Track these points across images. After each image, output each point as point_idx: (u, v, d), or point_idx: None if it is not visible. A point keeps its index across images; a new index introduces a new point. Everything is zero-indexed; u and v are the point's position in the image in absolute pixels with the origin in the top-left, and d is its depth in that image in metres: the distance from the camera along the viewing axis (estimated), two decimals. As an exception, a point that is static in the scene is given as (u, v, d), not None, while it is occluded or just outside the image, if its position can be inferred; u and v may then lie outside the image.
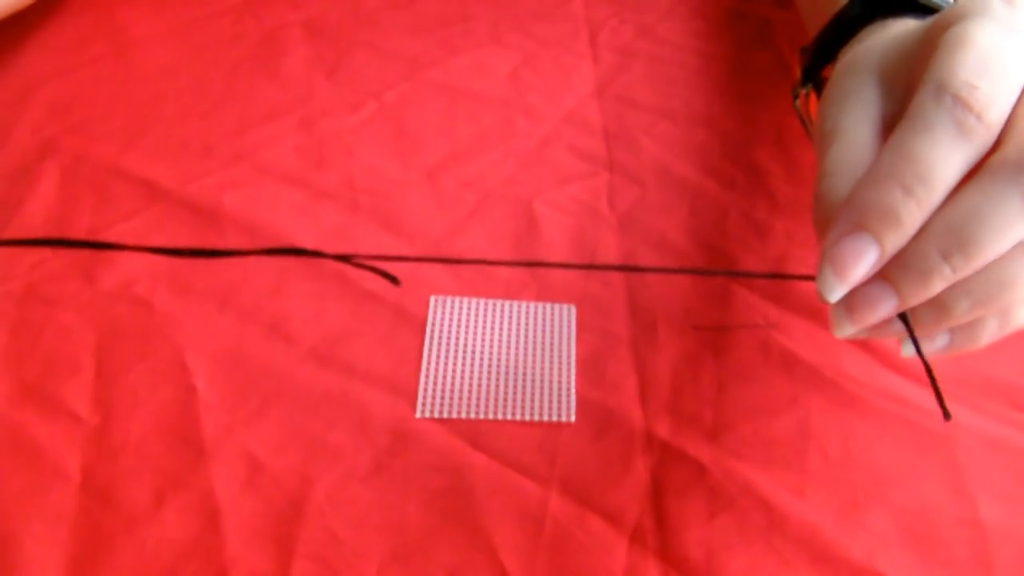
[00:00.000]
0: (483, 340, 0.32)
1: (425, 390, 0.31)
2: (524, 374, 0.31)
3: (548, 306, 0.33)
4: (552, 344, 0.32)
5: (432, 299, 0.33)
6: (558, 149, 0.40)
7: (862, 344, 0.33)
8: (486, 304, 0.33)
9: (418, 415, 0.30)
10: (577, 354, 0.32)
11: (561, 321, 0.33)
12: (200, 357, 0.31)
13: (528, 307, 0.33)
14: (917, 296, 0.20)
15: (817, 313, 0.34)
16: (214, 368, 0.31)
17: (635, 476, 0.29)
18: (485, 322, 0.33)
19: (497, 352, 0.32)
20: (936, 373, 0.33)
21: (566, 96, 0.42)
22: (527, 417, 0.30)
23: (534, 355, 0.32)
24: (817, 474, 0.29)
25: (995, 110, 0.20)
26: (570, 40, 0.45)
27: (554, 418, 0.30)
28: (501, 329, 0.33)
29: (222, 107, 0.41)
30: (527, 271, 0.35)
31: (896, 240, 0.20)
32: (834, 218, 0.21)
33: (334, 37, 0.44)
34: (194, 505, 0.28)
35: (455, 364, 0.32)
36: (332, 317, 0.33)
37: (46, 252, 0.34)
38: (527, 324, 0.33)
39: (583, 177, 0.39)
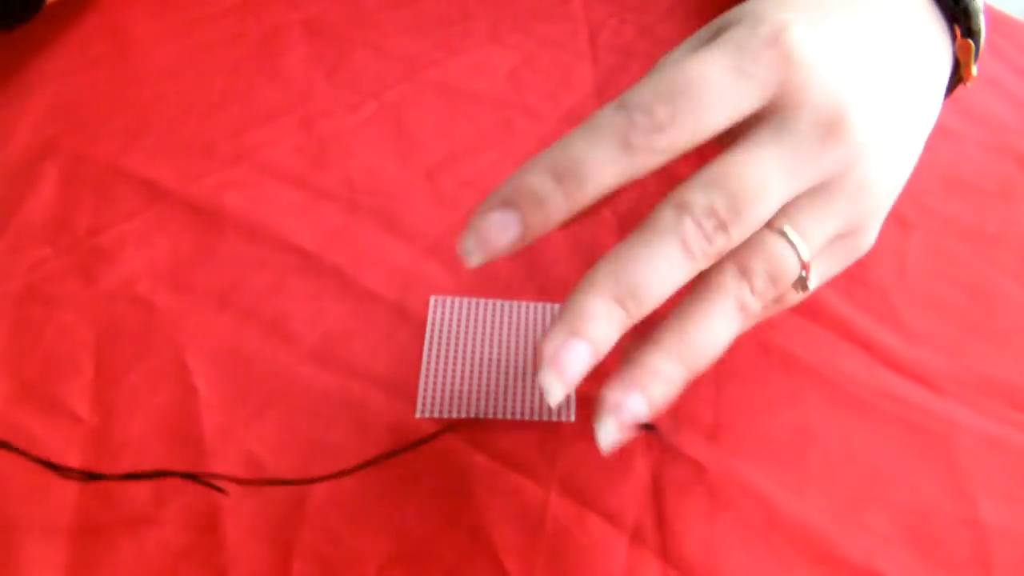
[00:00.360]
0: (483, 340, 0.32)
1: (425, 390, 0.31)
2: (524, 374, 0.31)
3: (548, 306, 0.33)
4: None
5: (432, 299, 0.33)
6: (558, 149, 0.40)
7: (862, 344, 0.33)
8: (486, 304, 0.33)
9: (418, 415, 0.30)
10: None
11: None
12: (200, 357, 0.31)
13: (528, 307, 0.33)
14: (604, 341, 0.21)
15: (817, 313, 0.34)
16: (214, 368, 0.31)
17: (635, 476, 0.29)
18: (485, 322, 0.33)
19: (497, 352, 0.32)
20: (936, 372, 0.33)
21: (565, 96, 0.42)
22: (527, 417, 0.30)
23: (534, 355, 0.32)
24: (816, 474, 0.29)
25: (664, 138, 0.21)
26: (570, 40, 0.45)
27: (554, 418, 0.30)
28: (501, 329, 0.33)
29: (222, 107, 0.41)
30: (527, 271, 0.35)
31: (538, 220, 0.21)
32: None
33: (334, 37, 0.44)
34: (194, 505, 0.28)
35: (455, 364, 0.32)
36: (332, 317, 0.33)
37: (46, 252, 0.34)
38: (527, 324, 0.33)
39: (583, 177, 0.39)
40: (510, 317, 0.33)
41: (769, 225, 0.23)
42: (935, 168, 0.40)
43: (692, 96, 0.21)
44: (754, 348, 0.33)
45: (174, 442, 0.29)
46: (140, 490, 0.28)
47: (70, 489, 0.28)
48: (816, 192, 0.23)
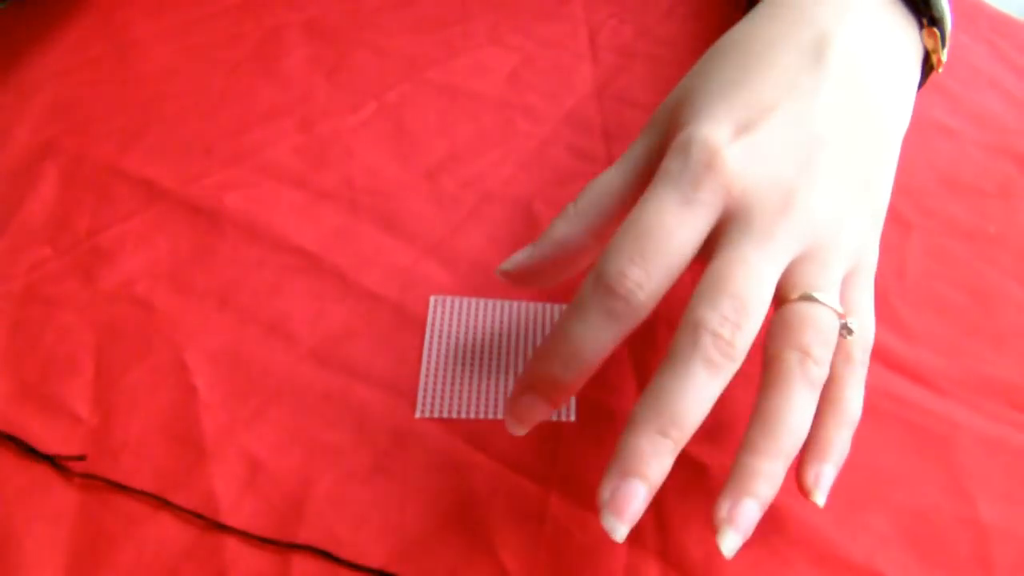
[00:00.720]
0: (483, 340, 0.32)
1: (425, 390, 0.31)
2: None
3: (548, 306, 0.33)
4: None
5: (432, 299, 0.33)
6: (558, 149, 0.40)
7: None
8: (486, 304, 0.33)
9: (418, 415, 0.30)
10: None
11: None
12: (200, 357, 0.31)
13: (528, 307, 0.33)
14: (659, 474, 0.24)
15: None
16: (214, 368, 0.31)
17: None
18: (485, 322, 0.33)
19: (497, 352, 0.32)
20: (936, 372, 0.33)
21: (565, 96, 0.42)
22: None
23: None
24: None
25: (643, 294, 0.24)
26: (570, 40, 0.45)
27: (554, 418, 0.30)
28: (501, 329, 0.33)
29: (222, 107, 0.41)
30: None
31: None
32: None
33: (334, 37, 0.44)
34: (194, 505, 0.28)
35: (455, 364, 0.32)
36: (332, 317, 0.33)
37: (46, 252, 0.34)
38: (527, 324, 0.33)
39: (583, 177, 0.38)
40: (510, 317, 0.33)
41: (785, 301, 0.25)
42: (935, 168, 0.40)
43: (655, 244, 0.24)
44: (755, 348, 0.33)
45: (174, 442, 0.29)
46: (141, 488, 0.28)
47: (70, 489, 0.28)
48: (805, 254, 0.26)
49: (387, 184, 0.38)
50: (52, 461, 0.28)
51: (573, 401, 0.31)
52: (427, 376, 0.31)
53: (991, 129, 0.42)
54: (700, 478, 0.29)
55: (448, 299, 0.33)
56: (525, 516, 0.28)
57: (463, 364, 0.32)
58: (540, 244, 0.29)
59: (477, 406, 0.30)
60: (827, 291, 0.25)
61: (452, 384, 0.31)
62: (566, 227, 0.28)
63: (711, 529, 0.24)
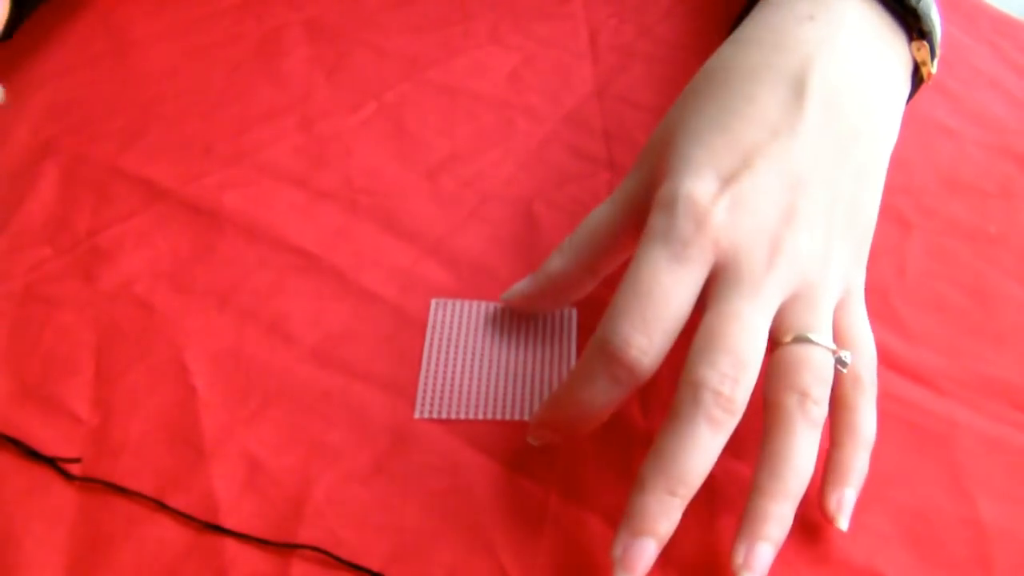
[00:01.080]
0: (484, 343, 0.32)
1: (424, 391, 0.31)
2: (525, 376, 0.31)
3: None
4: (553, 346, 0.32)
5: (433, 302, 0.33)
6: (558, 149, 0.40)
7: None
8: (487, 307, 0.33)
9: (417, 415, 0.30)
10: (578, 356, 0.32)
11: (562, 324, 0.33)
12: (200, 357, 0.31)
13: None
14: (669, 529, 0.25)
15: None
16: (214, 368, 0.31)
17: (635, 476, 0.29)
18: (486, 325, 0.33)
19: (498, 354, 0.32)
20: (936, 372, 0.33)
21: (566, 96, 0.42)
22: (527, 417, 0.30)
23: (535, 357, 0.32)
24: (816, 474, 0.29)
25: (647, 360, 0.25)
26: (570, 40, 0.45)
27: None
28: (502, 332, 0.33)
29: (222, 107, 0.41)
30: (527, 272, 0.35)
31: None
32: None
33: (334, 37, 0.44)
34: (194, 505, 0.28)
35: (455, 366, 0.32)
36: (332, 317, 0.33)
37: (46, 252, 0.34)
38: (528, 327, 0.33)
39: (583, 177, 0.39)
40: (511, 319, 0.33)
41: (779, 344, 0.26)
42: (935, 168, 0.40)
43: (655, 308, 0.25)
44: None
45: (174, 442, 0.29)
46: (141, 489, 0.28)
47: (70, 489, 0.28)
48: (795, 296, 0.26)
49: (387, 184, 0.38)
50: (52, 463, 0.28)
51: None
52: (427, 377, 0.31)
53: (992, 129, 0.42)
54: (700, 478, 0.29)
55: (449, 302, 0.33)
56: (525, 516, 0.28)
57: (463, 366, 0.32)
58: (537, 277, 0.31)
59: (476, 407, 0.30)
60: (819, 330, 0.26)
61: (452, 385, 0.31)
62: (560, 261, 0.30)
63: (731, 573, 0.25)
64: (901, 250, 0.36)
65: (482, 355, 0.32)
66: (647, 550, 0.24)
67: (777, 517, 0.25)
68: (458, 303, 0.33)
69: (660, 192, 0.27)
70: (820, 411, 0.25)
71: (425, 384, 0.31)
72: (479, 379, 0.31)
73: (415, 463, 0.29)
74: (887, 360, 0.33)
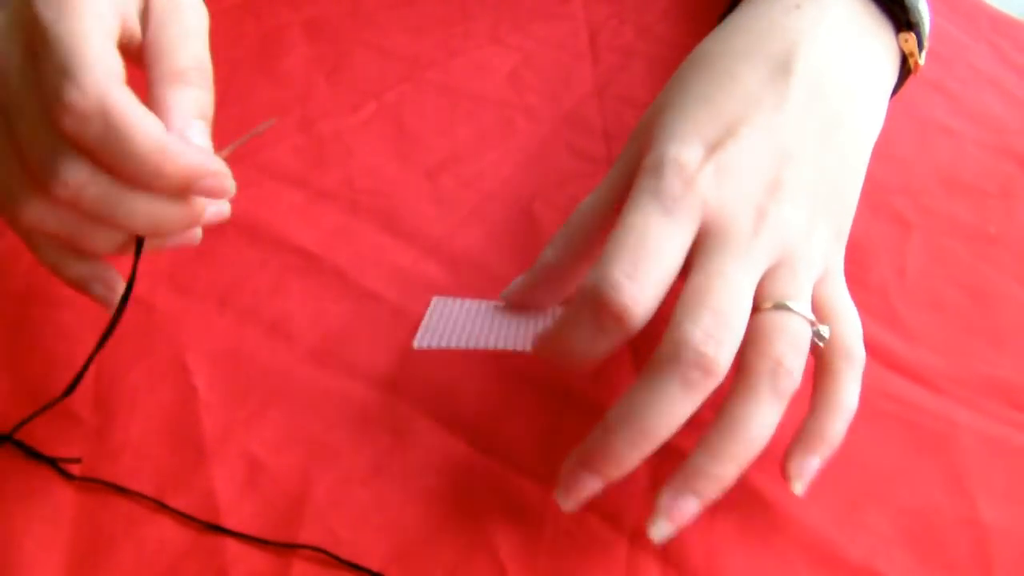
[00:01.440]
0: (481, 331, 0.31)
1: (427, 327, 0.30)
2: (525, 325, 0.31)
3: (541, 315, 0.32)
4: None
5: (434, 300, 0.33)
6: (558, 149, 0.40)
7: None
8: (486, 305, 0.33)
9: (416, 345, 0.29)
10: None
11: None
12: (200, 357, 0.31)
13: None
14: (618, 476, 0.25)
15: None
16: (214, 368, 0.31)
17: (635, 476, 0.29)
18: (484, 319, 0.32)
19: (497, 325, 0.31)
20: (936, 372, 0.33)
21: (566, 96, 0.42)
22: (527, 348, 0.29)
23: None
24: (817, 474, 0.29)
25: (638, 309, 0.25)
26: (570, 40, 0.45)
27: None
28: (501, 322, 0.32)
29: (222, 107, 0.40)
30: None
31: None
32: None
33: (334, 37, 0.44)
34: (194, 505, 0.28)
35: (456, 324, 0.31)
36: (332, 317, 0.33)
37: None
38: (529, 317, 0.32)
39: (583, 177, 0.39)
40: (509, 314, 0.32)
41: (758, 310, 0.26)
42: (935, 168, 0.40)
43: (646, 253, 0.25)
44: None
45: (174, 442, 0.29)
46: (141, 489, 0.28)
47: (70, 489, 0.28)
48: (777, 264, 0.26)
49: (387, 184, 0.38)
50: (52, 463, 0.28)
51: None
52: (431, 315, 0.31)
53: (991, 129, 0.42)
54: (700, 478, 0.29)
55: (449, 299, 0.33)
56: (525, 516, 0.28)
57: (463, 327, 0.31)
58: (533, 271, 0.30)
59: (477, 338, 0.30)
60: (798, 299, 0.26)
61: (452, 325, 0.30)
62: (553, 252, 0.30)
63: (649, 510, 0.25)
64: (901, 250, 0.36)
65: (479, 330, 0.31)
66: (591, 485, 0.25)
67: (715, 477, 0.25)
68: (458, 301, 0.33)
69: (646, 159, 0.27)
70: (790, 382, 0.25)
71: (426, 326, 0.30)
72: (479, 325, 0.31)
73: (415, 463, 0.29)
74: (887, 360, 0.33)
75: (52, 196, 0.23)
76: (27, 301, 0.33)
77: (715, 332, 0.24)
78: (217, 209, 0.28)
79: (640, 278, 0.25)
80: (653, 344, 0.33)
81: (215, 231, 0.35)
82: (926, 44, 0.34)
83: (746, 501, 0.29)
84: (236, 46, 0.44)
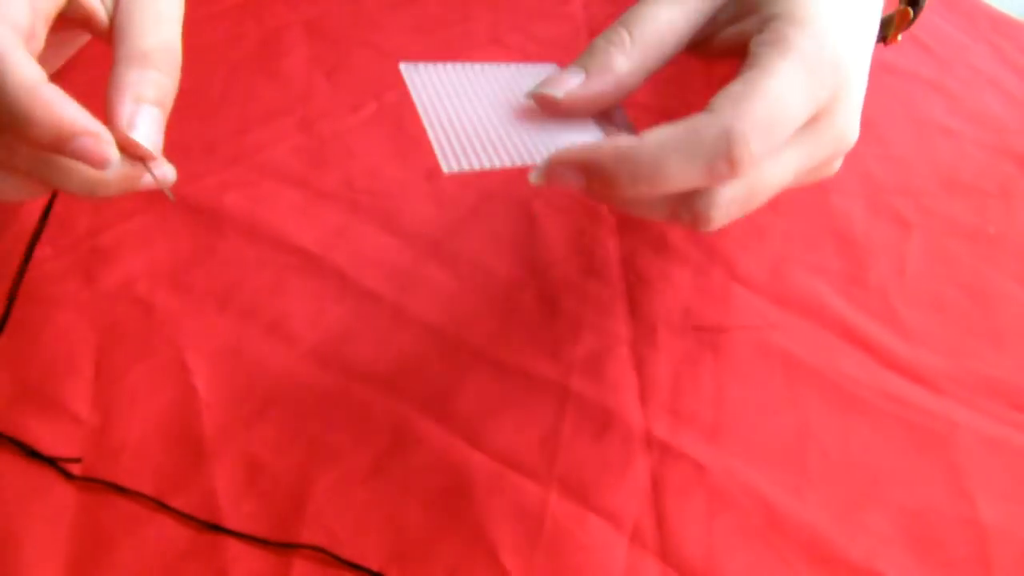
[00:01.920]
0: (475, 98, 0.29)
1: (442, 145, 0.27)
2: (531, 119, 0.28)
3: (529, 66, 0.30)
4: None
5: (402, 66, 0.30)
6: (558, 149, 0.40)
7: (862, 344, 0.33)
8: (464, 68, 0.29)
9: (446, 170, 0.26)
10: (577, 351, 0.32)
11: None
12: (200, 357, 0.31)
13: (509, 68, 0.29)
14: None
15: (817, 314, 0.34)
16: (214, 368, 0.31)
17: (634, 475, 0.29)
18: (469, 84, 0.29)
19: (494, 104, 0.28)
20: (936, 372, 0.33)
21: (566, 96, 0.42)
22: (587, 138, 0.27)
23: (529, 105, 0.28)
24: (816, 474, 0.29)
25: (757, 165, 0.24)
26: (570, 40, 0.45)
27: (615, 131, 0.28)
28: (487, 87, 0.29)
29: (222, 107, 0.41)
30: (527, 272, 0.35)
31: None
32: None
33: (334, 37, 0.44)
34: (194, 505, 0.28)
35: (460, 118, 0.28)
36: (332, 317, 0.33)
37: (46, 252, 0.34)
38: (512, 80, 0.29)
39: (583, 177, 0.39)
40: (489, 77, 0.29)
41: None
42: (935, 168, 0.40)
43: (783, 125, 0.24)
44: (754, 349, 0.33)
45: (174, 442, 0.29)
46: (141, 489, 0.28)
47: (70, 489, 0.28)
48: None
49: (387, 184, 0.38)
50: (52, 463, 0.28)
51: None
52: (437, 134, 0.27)
53: (991, 129, 0.42)
54: (699, 477, 0.29)
55: (420, 65, 0.29)
56: (525, 516, 0.28)
57: (467, 118, 0.28)
58: (597, 75, 0.27)
59: (499, 154, 0.27)
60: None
61: (467, 135, 0.27)
62: (625, 61, 0.27)
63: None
64: (901, 250, 0.36)
65: (479, 106, 0.28)
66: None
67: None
68: (431, 66, 0.29)
69: (808, 13, 0.25)
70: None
71: (439, 140, 0.27)
72: (490, 127, 0.28)
73: (415, 463, 0.29)
74: (887, 360, 0.33)
75: None
76: (27, 301, 0.33)
77: (764, 149, 0.23)
78: (161, 173, 0.28)
79: (769, 145, 0.24)
80: (656, 350, 0.33)
81: (215, 231, 0.35)
82: (911, 25, 0.34)
83: (746, 501, 0.29)
84: (236, 46, 0.44)
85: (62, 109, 0.24)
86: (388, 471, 0.29)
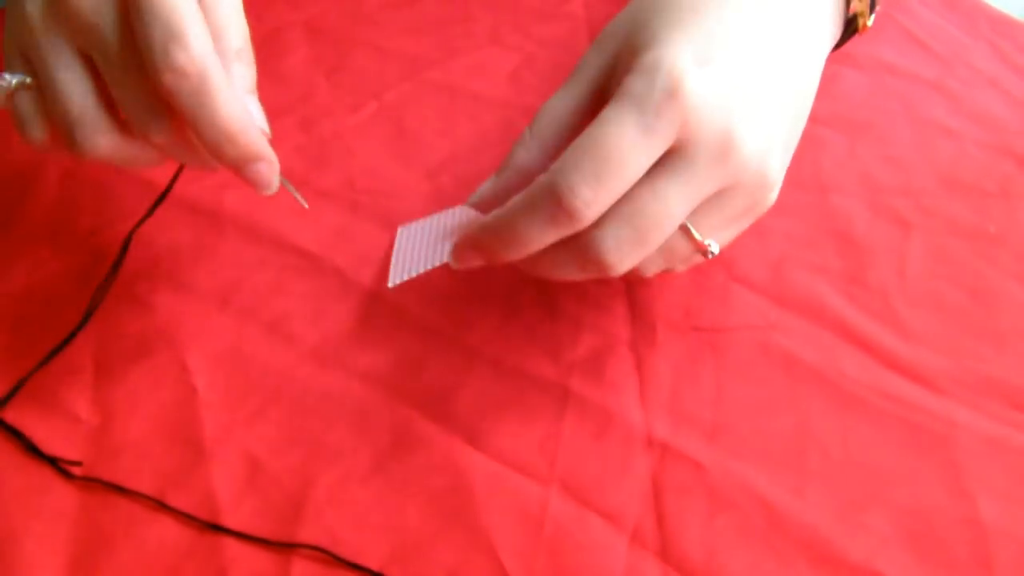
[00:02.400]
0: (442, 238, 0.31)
1: (394, 272, 0.30)
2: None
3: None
4: None
5: (400, 229, 0.32)
6: (558, 149, 0.40)
7: (862, 344, 0.33)
8: (446, 216, 0.32)
9: (391, 285, 0.29)
10: (577, 351, 0.32)
11: None
12: (200, 357, 0.31)
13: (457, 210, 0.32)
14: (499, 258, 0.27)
15: (817, 314, 0.34)
16: (214, 368, 0.31)
17: (635, 476, 0.29)
18: (446, 228, 0.31)
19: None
20: (936, 372, 0.33)
21: (566, 96, 0.42)
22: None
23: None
24: (817, 474, 0.29)
25: (590, 212, 0.25)
26: (570, 40, 0.45)
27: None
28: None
29: (222, 107, 0.40)
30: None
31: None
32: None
33: (334, 37, 0.44)
34: (194, 505, 0.28)
35: (418, 253, 0.31)
36: (332, 317, 0.33)
37: (46, 252, 0.34)
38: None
39: (583, 177, 0.38)
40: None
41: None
42: (935, 168, 0.40)
43: (611, 171, 0.25)
44: (754, 349, 0.33)
45: (174, 442, 0.29)
46: (141, 489, 0.28)
47: (70, 489, 0.28)
48: (716, 196, 0.27)
49: (387, 184, 0.38)
50: (52, 462, 0.28)
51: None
52: (396, 266, 0.30)
53: (992, 129, 0.42)
54: (699, 477, 0.29)
55: (413, 224, 0.32)
56: (525, 516, 0.28)
57: (414, 248, 0.31)
58: (502, 173, 0.30)
59: (441, 253, 0.29)
60: (708, 229, 0.27)
61: (418, 242, 0.31)
62: (524, 154, 0.29)
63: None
64: (901, 250, 0.36)
65: (425, 237, 0.31)
66: (476, 260, 0.27)
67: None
68: (418, 223, 0.32)
69: (638, 61, 0.26)
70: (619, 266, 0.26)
71: (394, 268, 0.30)
72: (426, 246, 0.30)
73: (415, 463, 0.29)
74: (887, 360, 0.33)
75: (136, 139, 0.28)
76: (27, 301, 0.33)
77: (626, 247, 0.25)
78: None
79: (600, 188, 0.25)
80: (656, 350, 0.33)
81: (215, 231, 0.35)
82: (878, 7, 0.34)
83: (746, 501, 0.29)
84: (236, 46, 0.44)
85: (256, 140, 0.28)
86: (388, 471, 0.29)
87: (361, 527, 0.28)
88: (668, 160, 0.25)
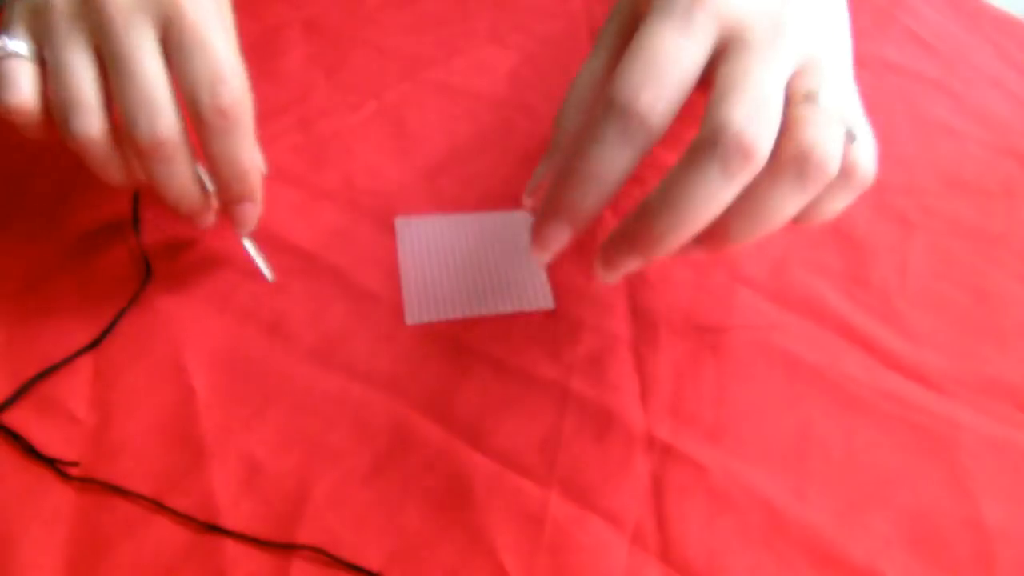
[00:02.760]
0: (455, 250, 0.34)
1: (410, 298, 0.32)
2: (497, 274, 0.33)
3: (511, 214, 0.35)
4: (515, 248, 0.34)
5: (397, 221, 0.34)
6: (559, 149, 0.40)
7: (864, 345, 0.33)
8: (450, 220, 0.35)
9: (409, 321, 0.31)
10: (577, 351, 0.32)
11: (518, 227, 0.35)
12: (199, 357, 0.31)
13: (487, 218, 0.35)
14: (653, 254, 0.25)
15: (819, 314, 0.34)
16: (213, 368, 0.31)
17: (635, 476, 0.29)
18: (450, 235, 0.34)
19: (471, 257, 0.33)
20: (938, 373, 0.32)
21: (567, 96, 0.42)
22: (510, 309, 0.32)
23: (502, 256, 0.34)
24: (818, 475, 0.29)
25: (657, 112, 0.24)
26: (570, 39, 0.45)
27: (534, 306, 0.32)
28: (467, 238, 0.34)
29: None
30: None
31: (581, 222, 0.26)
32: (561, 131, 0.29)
33: (334, 37, 0.44)
34: (193, 506, 0.28)
35: (431, 272, 0.33)
36: (332, 317, 0.33)
37: (46, 251, 0.34)
38: (495, 231, 0.35)
39: (584, 177, 0.38)
40: (478, 227, 0.35)
41: (790, 103, 0.25)
42: (937, 168, 0.40)
43: (662, 68, 0.24)
44: (756, 349, 0.33)
45: (173, 443, 0.29)
46: (139, 490, 0.28)
47: (68, 490, 0.28)
48: (803, 68, 0.26)
49: (387, 184, 0.38)
50: (50, 463, 0.28)
51: (548, 289, 0.33)
52: (408, 286, 0.32)
53: (994, 129, 0.42)
54: (700, 478, 0.29)
55: (413, 219, 0.34)
56: (525, 516, 0.28)
57: (439, 272, 0.32)
58: (551, 155, 0.30)
59: (464, 306, 0.31)
60: (829, 95, 0.26)
61: (433, 290, 0.32)
62: (567, 123, 0.29)
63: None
64: (903, 250, 0.36)
65: (453, 260, 0.33)
66: (630, 263, 0.26)
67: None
68: (422, 218, 0.34)
69: None
70: (820, 173, 0.24)
71: (409, 293, 0.32)
72: (457, 282, 0.32)
73: (415, 463, 0.29)
74: (889, 360, 0.32)
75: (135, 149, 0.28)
76: (26, 300, 0.33)
77: (755, 115, 0.23)
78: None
79: (658, 86, 0.24)
80: (657, 350, 0.33)
81: (214, 231, 0.35)
82: None
83: (747, 502, 0.29)
84: (236, 46, 0.44)
85: (257, 176, 0.30)
86: (388, 471, 0.29)
87: (361, 528, 0.27)
88: (730, 50, 0.25)
